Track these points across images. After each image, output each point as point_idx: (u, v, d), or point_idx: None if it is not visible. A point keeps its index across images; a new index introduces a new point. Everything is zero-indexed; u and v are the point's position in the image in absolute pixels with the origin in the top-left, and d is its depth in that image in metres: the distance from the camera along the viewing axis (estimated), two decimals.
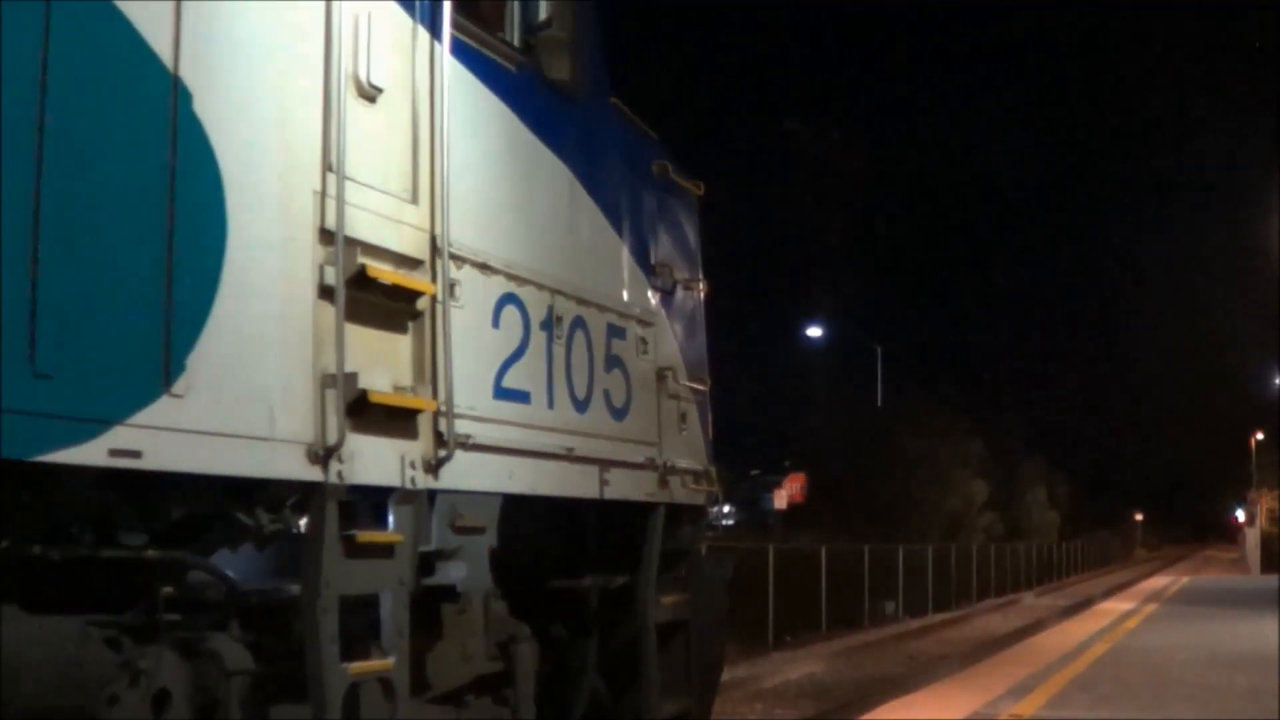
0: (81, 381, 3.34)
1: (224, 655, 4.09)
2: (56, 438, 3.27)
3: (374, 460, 4.36)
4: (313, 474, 4.10)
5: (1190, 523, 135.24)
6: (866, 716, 10.96)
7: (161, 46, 3.65)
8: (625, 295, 6.27)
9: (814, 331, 54.87)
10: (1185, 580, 40.60)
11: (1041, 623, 24.31)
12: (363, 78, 4.45)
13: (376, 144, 4.53)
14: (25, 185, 3.23)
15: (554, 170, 5.68)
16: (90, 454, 3.35)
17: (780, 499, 35.71)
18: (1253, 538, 55.20)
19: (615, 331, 6.11)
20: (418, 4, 4.80)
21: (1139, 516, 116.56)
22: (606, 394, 5.98)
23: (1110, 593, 34.61)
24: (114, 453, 3.40)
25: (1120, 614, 23.32)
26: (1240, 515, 73.94)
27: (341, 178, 4.26)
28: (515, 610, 5.53)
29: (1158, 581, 40.69)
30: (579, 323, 5.75)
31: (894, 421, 42.95)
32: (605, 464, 5.90)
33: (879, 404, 48.16)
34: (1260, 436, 66.15)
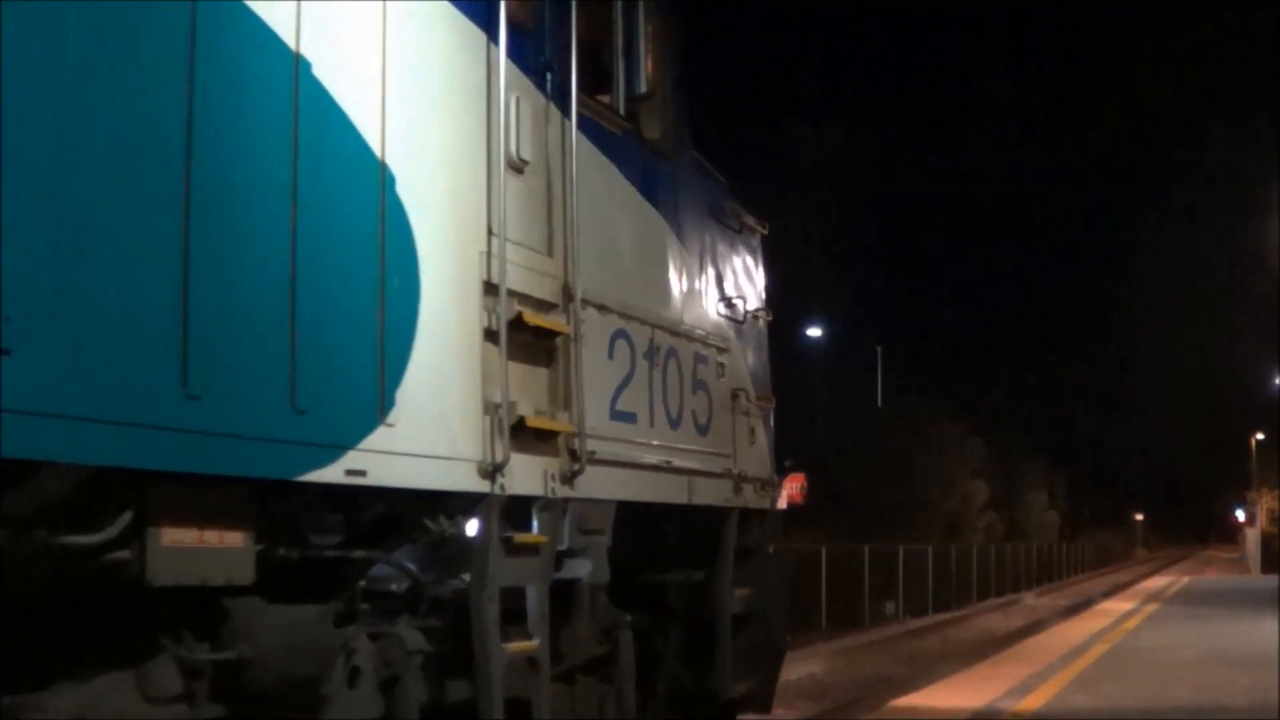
0: (326, 416, 4.18)
1: (405, 638, 4.92)
2: (311, 462, 4.11)
3: (525, 474, 5.21)
4: (482, 486, 4.95)
5: (1190, 523, 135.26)
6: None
7: (373, 139, 4.50)
8: (707, 326, 7.13)
9: (814, 331, 55.39)
10: (1185, 580, 40.58)
11: (1042, 623, 24.29)
12: (514, 153, 5.30)
13: (523, 208, 5.38)
14: (284, 268, 4.05)
15: (652, 220, 6.55)
16: (332, 474, 4.19)
17: (780, 499, 36.00)
18: (1253, 538, 55.46)
19: (699, 358, 6.97)
20: (550, 86, 5.64)
21: (1139, 516, 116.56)
22: (693, 413, 6.84)
23: (1110, 592, 34.56)
24: (348, 473, 4.24)
25: (1120, 614, 23.34)
26: (1240, 515, 73.71)
27: (502, 239, 5.11)
28: (614, 601, 6.38)
29: (1158, 581, 40.74)
30: (672, 352, 6.61)
31: (894, 421, 42.95)
32: (693, 474, 6.76)
33: (879, 403, 48.45)
34: (1260, 436, 66.10)
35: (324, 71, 4.26)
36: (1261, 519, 55.27)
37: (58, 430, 3.23)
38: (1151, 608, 25.05)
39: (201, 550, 3.85)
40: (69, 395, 3.26)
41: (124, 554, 3.67)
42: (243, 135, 3.94)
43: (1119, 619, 21.82)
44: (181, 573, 3.78)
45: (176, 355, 3.60)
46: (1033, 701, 11.01)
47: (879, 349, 51.20)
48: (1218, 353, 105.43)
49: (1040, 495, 61.78)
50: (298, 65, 4.15)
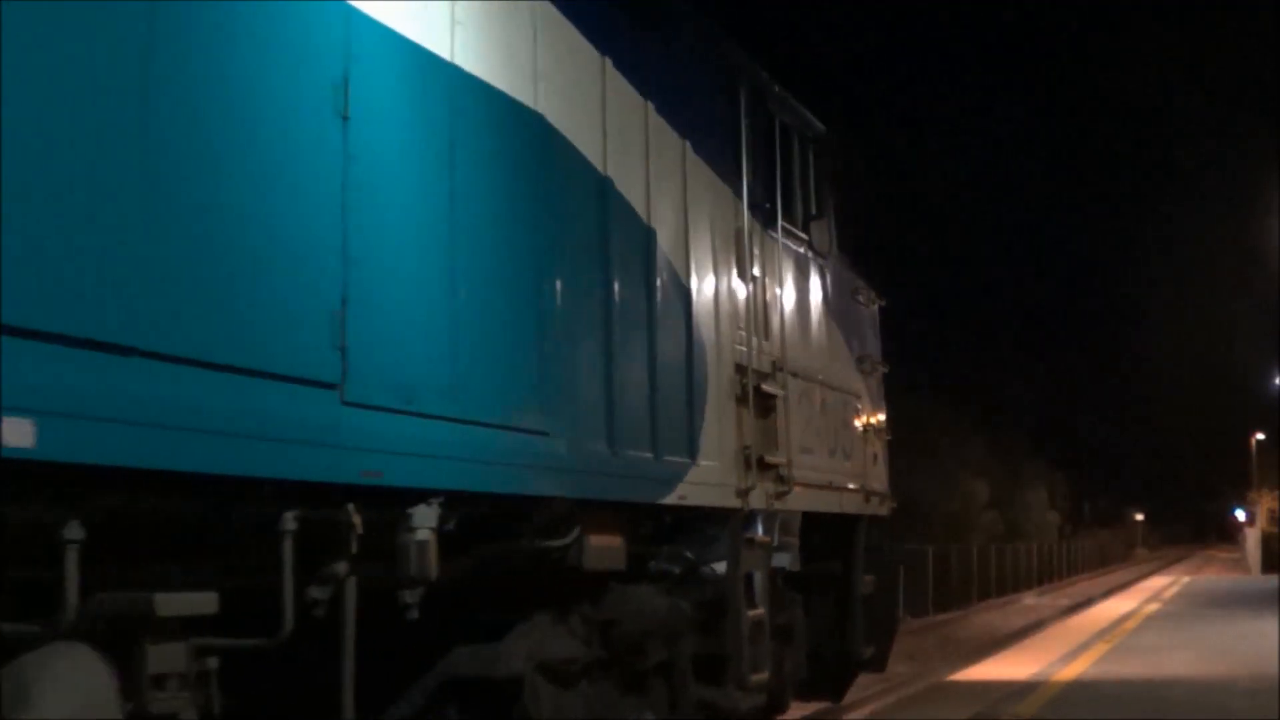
0: (669, 460, 6.54)
1: (684, 607, 7.26)
2: (663, 492, 6.47)
3: (758, 494, 7.57)
4: (736, 504, 7.32)
5: (1190, 523, 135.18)
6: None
7: (684, 274, 6.86)
8: (849, 379, 9.53)
9: None
10: (1186, 580, 40.52)
11: (1042, 622, 24.19)
12: (749, 269, 7.66)
13: (755, 306, 7.74)
14: (647, 373, 6.41)
15: (819, 305, 8.93)
16: (672, 499, 6.55)
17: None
18: (1253, 538, 55.52)
19: (846, 405, 9.37)
20: (765, 217, 8.00)
21: (1139, 516, 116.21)
22: (842, 445, 9.23)
23: (1111, 592, 34.50)
24: (680, 498, 6.60)
25: (1121, 614, 23.39)
26: (1240, 515, 72.94)
27: (749, 333, 7.48)
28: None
29: (1158, 581, 40.65)
30: (831, 401, 8.99)
31: (894, 420, 43.57)
32: (842, 490, 9.14)
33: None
34: (1260, 436, 65.33)
35: (662, 233, 6.65)
36: (1261, 519, 55.19)
37: (573, 481, 5.59)
38: (1152, 608, 25.21)
39: (607, 548, 6.19)
40: (581, 459, 5.63)
41: (569, 550, 5.99)
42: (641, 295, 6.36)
43: (1119, 619, 21.98)
44: (598, 562, 6.11)
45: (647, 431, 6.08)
46: (1033, 701, 11.15)
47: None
48: (1218, 353, 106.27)
49: (1040, 495, 61.58)
50: (648, 238, 6.53)
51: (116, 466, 3.39)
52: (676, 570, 7.43)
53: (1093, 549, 65.64)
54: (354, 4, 4.40)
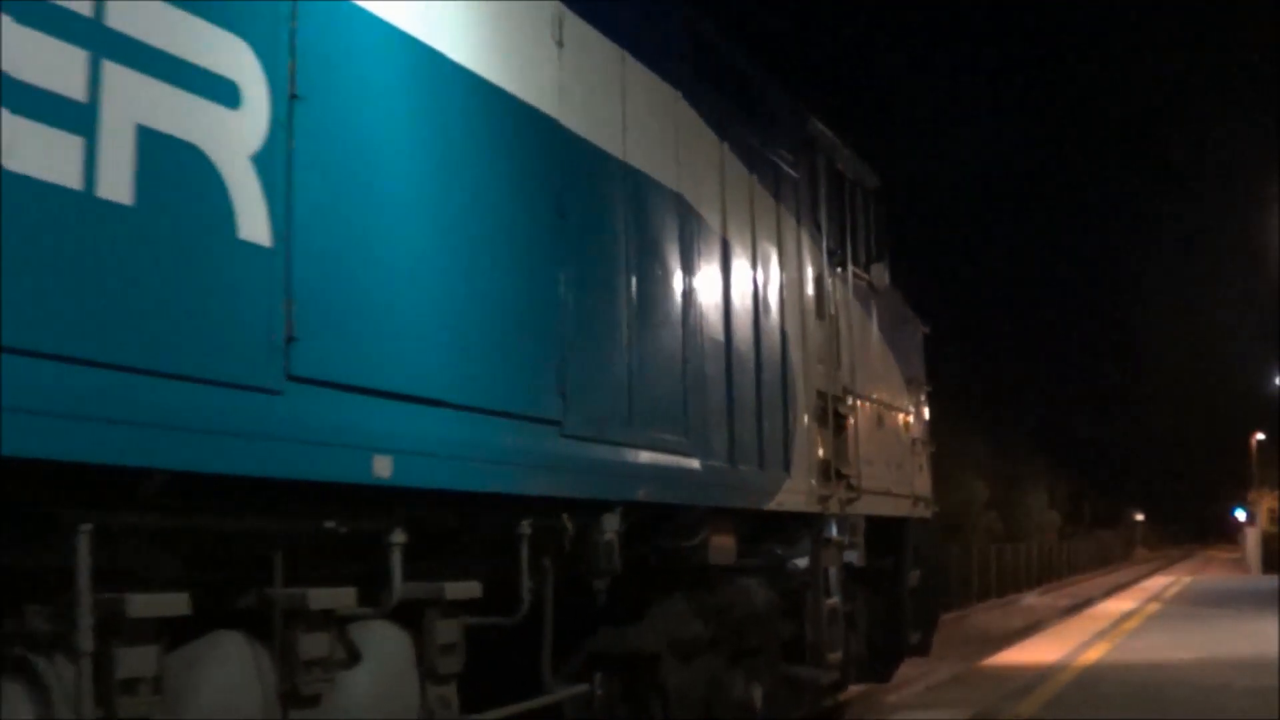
0: (771, 472, 7.86)
1: (769, 596, 8.56)
2: (765, 499, 7.80)
3: (834, 501, 8.89)
4: (818, 508, 8.64)
5: (1190, 523, 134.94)
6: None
7: (778, 311, 8.17)
8: (901, 398, 10.86)
9: None
10: (1186, 580, 40.41)
11: (1042, 622, 24.28)
12: (826, 309, 8.98)
13: (827, 341, 9.06)
14: (753, 401, 7.73)
15: (877, 335, 10.27)
16: (773, 505, 7.87)
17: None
18: (1253, 538, 54.96)
19: (898, 421, 10.71)
20: (834, 261, 9.33)
21: (1139, 516, 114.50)
22: (896, 457, 10.55)
23: (1111, 592, 34.50)
24: (778, 504, 7.92)
25: (1121, 614, 23.44)
26: (1240, 515, 72.37)
27: (827, 364, 8.80)
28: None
29: (1158, 581, 40.70)
30: (887, 418, 10.31)
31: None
32: (895, 496, 10.47)
33: None
34: (1260, 436, 64.85)
35: (767, 285, 7.97)
36: (1261, 519, 55.21)
37: (707, 492, 6.91)
38: (1152, 608, 25.22)
39: (724, 547, 7.50)
40: (712, 475, 6.95)
41: (697, 548, 7.28)
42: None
43: (1119, 619, 22.06)
44: (718, 558, 7.42)
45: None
46: (1033, 701, 11.19)
47: None
48: (1218, 353, 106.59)
49: (1040, 495, 61.99)
50: (758, 301, 7.85)
51: (428, 489, 4.68)
52: (767, 564, 8.75)
53: (1093, 549, 65.54)
54: (565, 125, 5.72)
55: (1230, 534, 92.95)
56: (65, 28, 3.34)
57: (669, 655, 7.14)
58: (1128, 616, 22.69)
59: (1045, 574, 46.58)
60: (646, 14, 6.85)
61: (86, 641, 3.45)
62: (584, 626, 6.87)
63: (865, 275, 10.06)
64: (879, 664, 11.12)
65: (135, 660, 3.62)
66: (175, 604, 3.75)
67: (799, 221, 8.70)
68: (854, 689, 11.29)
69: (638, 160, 6.36)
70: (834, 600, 8.96)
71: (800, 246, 8.71)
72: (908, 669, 12.42)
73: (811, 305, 8.80)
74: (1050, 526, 60.61)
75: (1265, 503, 56.71)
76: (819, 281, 8.93)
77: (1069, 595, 36.48)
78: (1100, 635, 18.40)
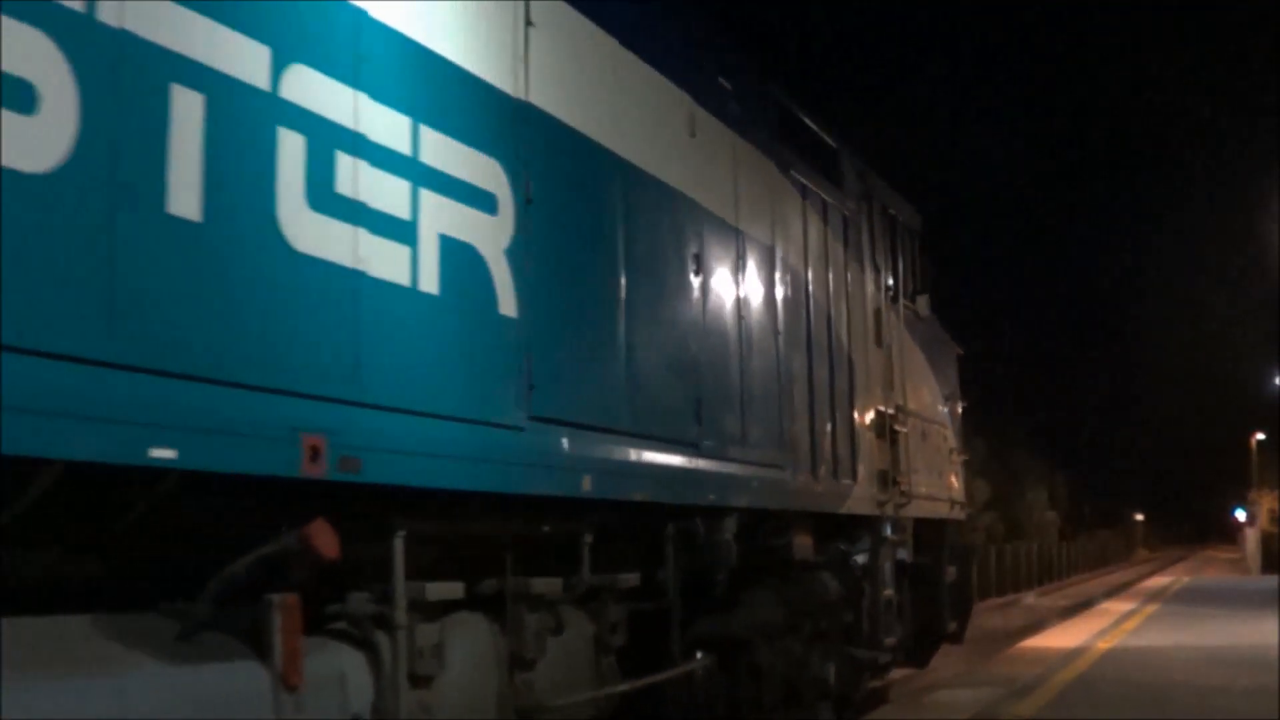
0: (842, 480, 9.15)
1: (830, 587, 9.84)
2: (837, 504, 9.09)
3: (890, 505, 10.19)
4: (878, 511, 9.95)
5: (1190, 523, 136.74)
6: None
7: (845, 341, 9.46)
8: (940, 412, 12.17)
9: None
10: (1186, 580, 40.76)
11: (1042, 622, 24.31)
12: (884, 338, 10.28)
13: (884, 366, 10.36)
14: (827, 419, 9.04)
15: (922, 359, 11.58)
16: (844, 509, 9.16)
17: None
18: (1253, 538, 56.00)
19: (939, 433, 12.01)
20: (887, 293, 10.63)
21: (1140, 516, 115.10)
22: (937, 465, 11.86)
23: (1111, 593, 34.71)
24: (848, 509, 9.21)
25: (1121, 614, 23.64)
26: (1240, 515, 72.40)
27: (884, 386, 10.10)
28: None
29: (1158, 581, 40.94)
30: (930, 432, 11.61)
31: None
32: (934, 500, 11.77)
33: None
34: (1260, 437, 64.39)
35: (839, 320, 9.25)
36: (1261, 519, 55.65)
37: (797, 498, 8.19)
38: (1152, 608, 25.45)
39: (805, 544, 8.79)
40: (800, 483, 8.25)
41: (784, 546, 8.56)
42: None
43: (1119, 619, 22.21)
44: (800, 554, 8.70)
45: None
46: (1033, 702, 11.25)
47: None
48: (1218, 353, 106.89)
49: (1040, 495, 61.73)
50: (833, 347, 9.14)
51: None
52: (835, 559, 10.04)
53: (1093, 549, 65.93)
54: (698, 201, 7.02)
55: (1230, 534, 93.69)
56: (399, 165, 4.63)
57: (759, 639, 8.42)
58: (1128, 616, 23.00)
59: (1045, 574, 46.63)
60: (743, 96, 8.13)
61: (402, 618, 4.72)
62: (686, 614, 8.15)
63: (912, 305, 11.37)
64: (918, 650, 12.42)
65: (430, 632, 4.90)
66: (455, 590, 5.04)
67: (862, 264, 10.00)
68: (895, 672, 12.58)
69: (744, 224, 7.66)
70: (889, 591, 10.25)
71: (864, 285, 10.01)
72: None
73: (873, 335, 10.09)
74: (1050, 526, 60.72)
75: (1265, 503, 57.25)
76: (878, 314, 10.23)
77: (1069, 595, 36.62)
78: (1100, 635, 18.68)
